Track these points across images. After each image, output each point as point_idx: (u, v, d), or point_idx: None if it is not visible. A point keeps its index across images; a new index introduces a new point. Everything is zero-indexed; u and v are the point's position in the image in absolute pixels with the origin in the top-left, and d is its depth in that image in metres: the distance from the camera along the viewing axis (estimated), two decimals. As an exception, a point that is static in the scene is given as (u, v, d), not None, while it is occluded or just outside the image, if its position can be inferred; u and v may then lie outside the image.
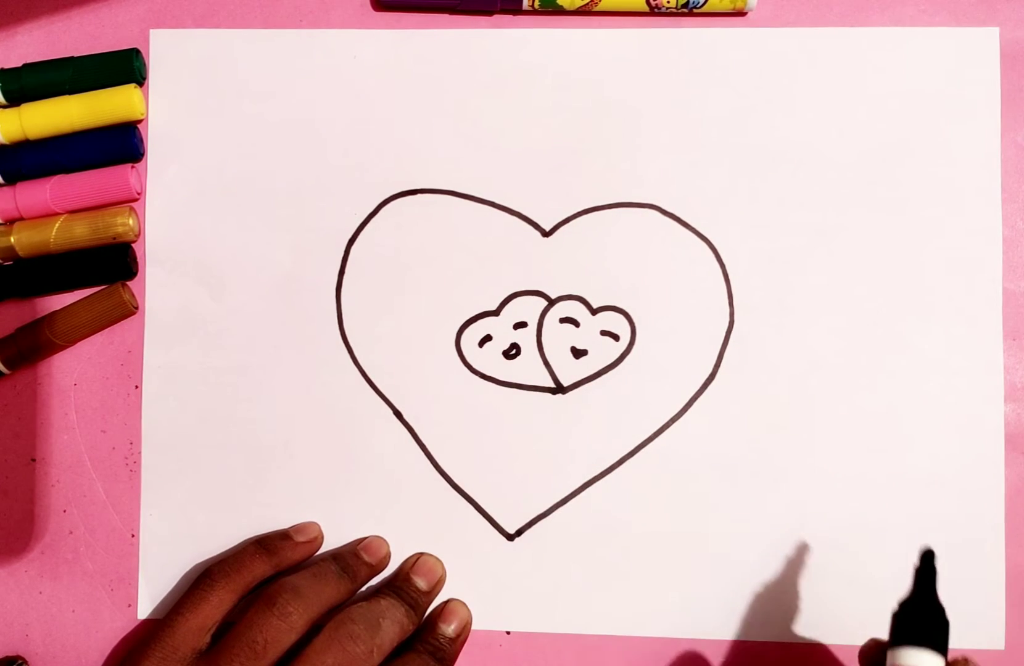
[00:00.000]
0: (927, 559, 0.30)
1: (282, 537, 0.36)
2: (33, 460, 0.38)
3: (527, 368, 0.38)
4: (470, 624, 0.37)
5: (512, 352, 0.38)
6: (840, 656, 0.36)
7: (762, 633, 0.37)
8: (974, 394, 0.37)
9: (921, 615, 0.29)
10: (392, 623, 0.34)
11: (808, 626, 0.37)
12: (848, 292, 0.38)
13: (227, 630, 0.33)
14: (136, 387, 0.38)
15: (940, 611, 0.29)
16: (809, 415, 0.37)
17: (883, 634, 0.37)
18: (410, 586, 0.36)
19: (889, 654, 0.29)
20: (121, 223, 0.37)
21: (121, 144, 0.38)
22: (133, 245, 0.39)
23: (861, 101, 0.38)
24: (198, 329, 0.38)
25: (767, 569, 0.37)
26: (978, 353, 0.37)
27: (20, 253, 0.38)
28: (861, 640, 0.36)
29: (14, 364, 0.38)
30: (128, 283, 0.39)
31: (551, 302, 0.38)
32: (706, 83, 0.38)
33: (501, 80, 0.39)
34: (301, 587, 0.34)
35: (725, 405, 0.37)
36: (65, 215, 0.38)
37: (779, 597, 0.37)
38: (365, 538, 0.37)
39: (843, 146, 0.38)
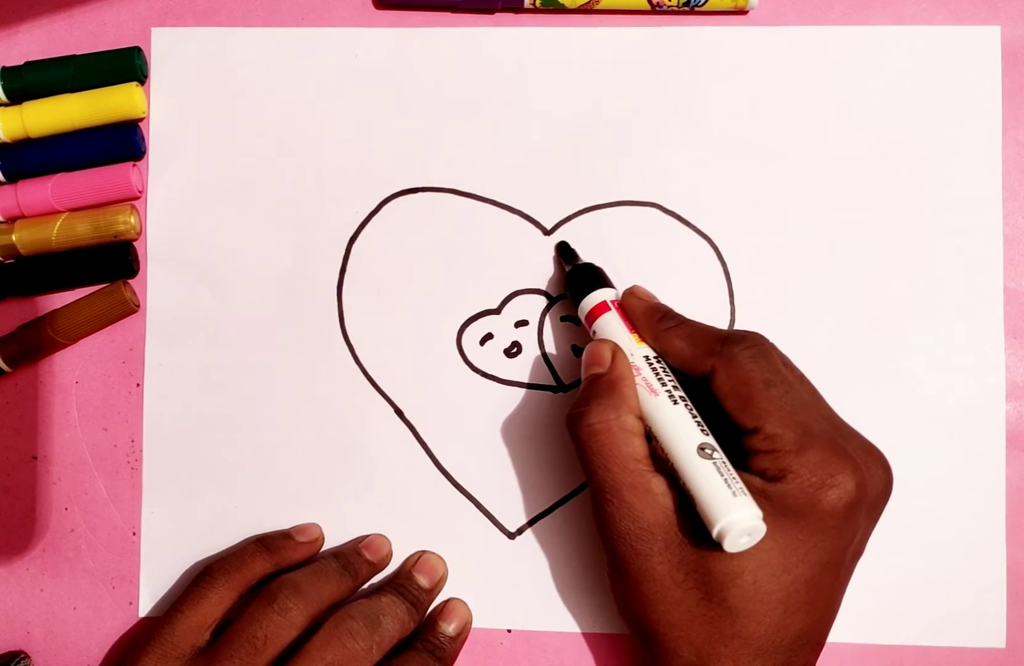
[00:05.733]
0: (563, 245, 0.38)
1: (283, 536, 0.36)
2: (35, 458, 0.38)
3: (528, 366, 0.38)
4: (470, 623, 0.37)
5: (513, 350, 0.38)
6: (839, 654, 0.36)
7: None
8: (975, 392, 0.37)
9: (581, 274, 0.36)
10: (392, 620, 0.34)
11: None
12: (849, 290, 0.38)
13: (226, 628, 0.33)
14: (137, 385, 0.38)
15: (591, 266, 0.36)
16: (810, 413, 0.37)
17: (881, 636, 0.37)
18: (412, 584, 0.36)
19: (579, 311, 0.35)
20: (123, 221, 0.37)
21: (122, 142, 0.38)
22: (134, 243, 0.39)
23: (862, 99, 0.38)
24: (199, 327, 0.39)
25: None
26: (979, 351, 0.37)
27: (22, 251, 0.38)
28: (860, 638, 0.37)
29: (16, 362, 0.38)
30: (129, 281, 0.39)
31: (552, 300, 0.38)
32: (707, 81, 0.38)
33: (502, 78, 0.39)
34: (302, 584, 0.34)
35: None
36: (67, 213, 0.38)
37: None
38: (367, 536, 0.37)
39: (844, 144, 0.38)
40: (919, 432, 0.37)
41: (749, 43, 0.38)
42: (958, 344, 0.37)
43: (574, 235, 0.38)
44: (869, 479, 0.29)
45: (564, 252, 0.37)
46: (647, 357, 0.32)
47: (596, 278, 0.36)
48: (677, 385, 0.32)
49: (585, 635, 0.37)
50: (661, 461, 0.31)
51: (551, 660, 0.37)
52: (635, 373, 0.32)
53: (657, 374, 0.32)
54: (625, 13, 0.39)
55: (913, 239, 0.38)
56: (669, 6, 0.38)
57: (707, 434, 0.30)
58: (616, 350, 0.33)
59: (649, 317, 0.33)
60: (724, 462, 0.29)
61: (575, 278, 0.36)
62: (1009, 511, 0.37)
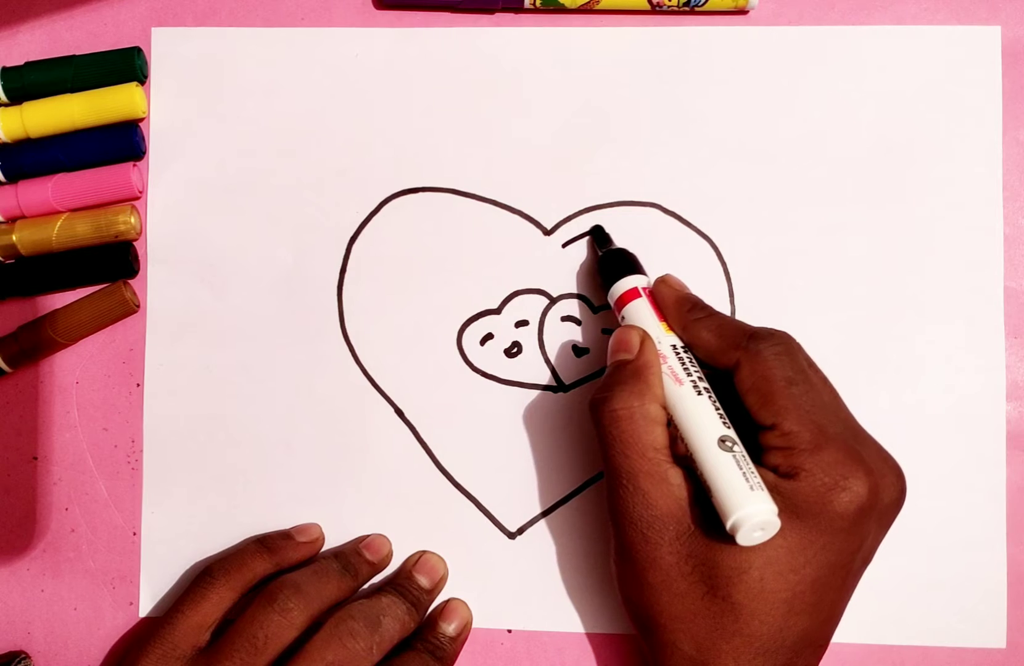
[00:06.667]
0: (597, 229, 0.38)
1: (284, 536, 0.37)
2: (35, 458, 0.38)
3: (529, 366, 0.38)
4: (470, 623, 0.37)
5: (514, 350, 0.38)
6: (840, 654, 0.36)
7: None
8: (976, 392, 0.37)
9: (614, 259, 0.36)
10: (393, 620, 0.34)
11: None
12: (849, 290, 0.38)
13: (226, 628, 0.33)
14: (138, 385, 0.38)
15: (624, 252, 0.36)
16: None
17: (882, 636, 0.37)
18: (412, 584, 0.36)
19: (609, 296, 0.35)
20: (123, 221, 0.37)
21: (123, 142, 0.38)
22: (135, 243, 0.39)
23: (863, 99, 0.38)
24: (199, 327, 0.39)
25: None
26: (980, 351, 0.37)
27: (22, 251, 0.38)
28: (861, 638, 0.37)
29: (16, 362, 0.38)
30: (130, 281, 0.39)
31: (552, 300, 0.38)
32: (707, 82, 0.38)
33: (502, 78, 0.39)
34: (302, 584, 0.34)
35: (726, 403, 0.38)
36: (67, 213, 0.38)
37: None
38: (367, 536, 0.37)
39: (844, 144, 0.38)
40: (919, 432, 0.37)
41: (749, 43, 0.38)
42: (958, 344, 0.37)
43: (574, 235, 0.38)
44: (882, 486, 0.29)
45: (598, 236, 0.37)
46: (674, 346, 0.32)
47: (628, 264, 0.36)
48: (702, 376, 0.32)
49: (586, 635, 0.37)
50: (680, 455, 0.31)
51: (552, 660, 0.37)
52: (661, 361, 0.32)
53: (683, 364, 0.32)
54: (625, 13, 0.39)
55: (913, 239, 0.38)
56: (669, 6, 0.38)
57: (729, 427, 0.30)
58: (645, 337, 0.33)
59: (679, 306, 0.33)
60: (744, 456, 0.29)
61: (607, 262, 0.36)
62: (1009, 511, 0.37)
